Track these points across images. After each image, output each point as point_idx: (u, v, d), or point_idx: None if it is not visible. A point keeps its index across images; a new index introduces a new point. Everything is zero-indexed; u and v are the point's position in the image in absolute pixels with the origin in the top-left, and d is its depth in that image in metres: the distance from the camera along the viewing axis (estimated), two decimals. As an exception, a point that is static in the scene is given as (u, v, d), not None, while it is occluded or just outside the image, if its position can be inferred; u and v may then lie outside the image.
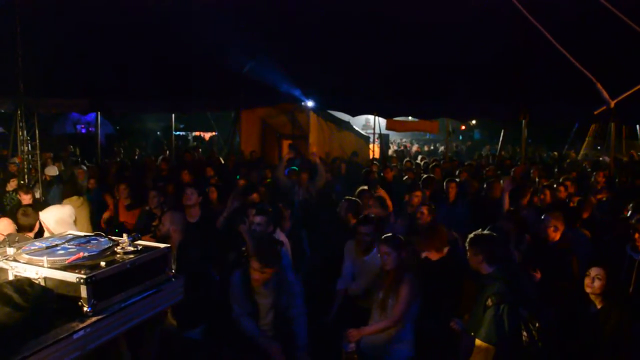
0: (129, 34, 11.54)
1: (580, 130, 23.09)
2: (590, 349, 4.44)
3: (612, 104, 4.09)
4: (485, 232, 4.63)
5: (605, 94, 4.10)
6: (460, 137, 44.27)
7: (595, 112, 4.74)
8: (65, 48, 11.84)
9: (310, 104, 14.31)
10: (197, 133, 32.60)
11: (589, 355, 4.45)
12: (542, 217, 5.84)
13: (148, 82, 13.40)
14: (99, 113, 15.22)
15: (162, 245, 2.78)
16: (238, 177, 9.95)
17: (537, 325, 3.98)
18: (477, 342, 4.16)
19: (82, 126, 25.01)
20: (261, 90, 13.41)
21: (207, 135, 31.07)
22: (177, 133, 33.47)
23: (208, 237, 5.97)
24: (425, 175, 9.72)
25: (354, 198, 6.88)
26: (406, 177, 11.24)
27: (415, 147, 32.59)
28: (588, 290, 4.52)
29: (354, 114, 15.47)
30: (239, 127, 15.76)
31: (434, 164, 12.65)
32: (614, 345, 4.35)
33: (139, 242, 2.74)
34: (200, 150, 21.65)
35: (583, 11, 9.06)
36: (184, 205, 6.44)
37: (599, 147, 22.01)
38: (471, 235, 4.53)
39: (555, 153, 24.18)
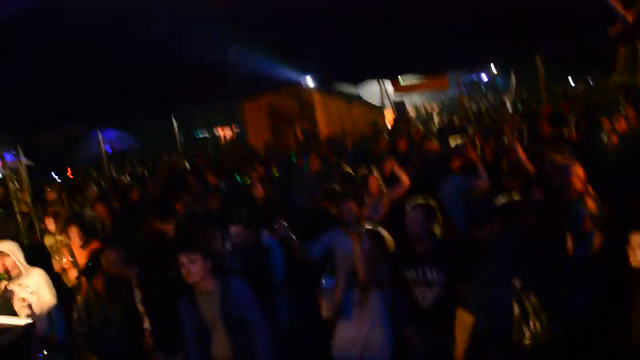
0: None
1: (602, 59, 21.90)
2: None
3: (630, 18, 3.29)
4: None
5: (620, 8, 3.31)
6: (484, 90, 42.74)
7: (612, 30, 3.89)
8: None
9: (309, 82, 13.81)
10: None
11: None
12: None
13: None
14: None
15: (22, 323, 2.04)
16: (236, 175, 9.28)
17: None
18: None
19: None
20: (257, 76, 12.81)
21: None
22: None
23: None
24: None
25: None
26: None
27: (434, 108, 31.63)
28: None
29: (356, 82, 14.79)
30: (243, 119, 15.20)
31: None
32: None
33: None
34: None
35: None
36: None
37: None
38: None
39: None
